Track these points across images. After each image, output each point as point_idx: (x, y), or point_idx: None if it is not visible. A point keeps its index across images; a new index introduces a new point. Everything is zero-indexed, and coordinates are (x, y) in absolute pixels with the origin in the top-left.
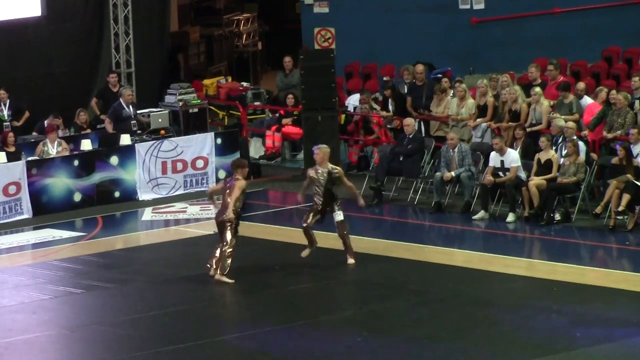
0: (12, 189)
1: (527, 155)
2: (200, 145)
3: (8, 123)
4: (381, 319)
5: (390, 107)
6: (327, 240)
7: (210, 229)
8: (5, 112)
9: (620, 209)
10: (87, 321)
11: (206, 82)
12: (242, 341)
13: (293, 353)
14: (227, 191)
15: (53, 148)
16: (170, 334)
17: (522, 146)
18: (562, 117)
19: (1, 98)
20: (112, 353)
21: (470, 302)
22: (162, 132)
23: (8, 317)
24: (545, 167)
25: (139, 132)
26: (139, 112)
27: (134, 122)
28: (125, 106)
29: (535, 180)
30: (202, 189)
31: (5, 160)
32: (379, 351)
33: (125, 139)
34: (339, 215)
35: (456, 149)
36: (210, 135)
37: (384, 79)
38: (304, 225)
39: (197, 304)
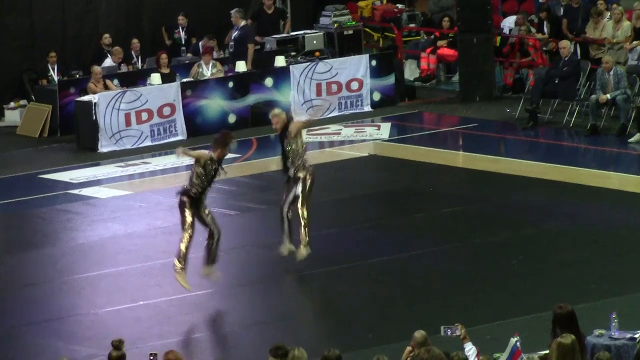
0: (166, 111)
1: None
2: (355, 67)
3: (184, 47)
4: (535, 243)
5: (545, 30)
6: (479, 162)
7: (365, 151)
8: (182, 36)
9: None
10: (241, 242)
11: (361, 4)
12: (393, 263)
13: (445, 276)
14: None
15: (207, 70)
16: (322, 256)
17: None
18: None
19: (180, 23)
20: (265, 274)
21: (624, 226)
22: (317, 53)
23: (163, 238)
24: None
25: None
26: (293, 33)
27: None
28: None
29: None
30: (357, 111)
31: (160, 82)
32: (533, 275)
33: (279, 61)
34: (299, 189)
35: (612, 72)
36: (365, 57)
37: (540, 0)
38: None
39: (351, 225)
